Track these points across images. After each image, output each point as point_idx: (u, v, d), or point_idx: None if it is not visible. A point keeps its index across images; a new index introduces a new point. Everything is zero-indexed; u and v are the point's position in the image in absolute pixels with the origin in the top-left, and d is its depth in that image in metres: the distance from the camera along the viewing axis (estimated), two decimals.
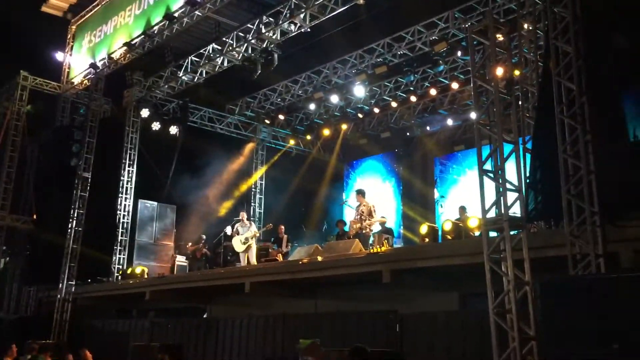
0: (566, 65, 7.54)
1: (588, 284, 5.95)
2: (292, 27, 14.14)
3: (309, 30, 14.06)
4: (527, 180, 7.98)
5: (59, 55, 20.61)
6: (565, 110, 7.44)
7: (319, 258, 11.47)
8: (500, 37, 8.17)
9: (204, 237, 18.15)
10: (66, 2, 19.79)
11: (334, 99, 18.62)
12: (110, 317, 17.81)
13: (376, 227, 14.21)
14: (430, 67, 16.61)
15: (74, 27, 20.58)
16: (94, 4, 19.46)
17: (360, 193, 13.54)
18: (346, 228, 14.09)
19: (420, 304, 10.47)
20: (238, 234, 14.82)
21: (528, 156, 8.25)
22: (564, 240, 7.13)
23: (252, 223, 15.88)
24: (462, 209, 12.82)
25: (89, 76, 18.73)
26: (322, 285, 12.14)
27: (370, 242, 13.16)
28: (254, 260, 14.53)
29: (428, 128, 19.63)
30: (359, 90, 17.95)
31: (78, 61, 19.89)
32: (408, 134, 20.20)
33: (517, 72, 9.38)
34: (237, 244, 14.78)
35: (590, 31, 7.61)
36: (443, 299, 10.69)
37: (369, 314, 10.22)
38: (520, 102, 8.88)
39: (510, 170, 7.42)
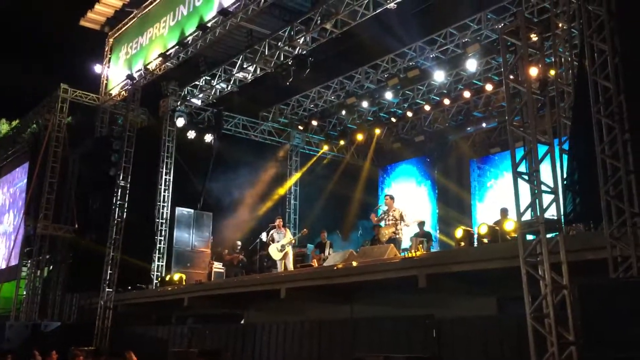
0: (602, 63, 7.38)
1: (629, 287, 5.80)
2: (324, 33, 14.20)
3: (340, 36, 14.09)
4: (565, 182, 7.82)
5: (97, 68, 21.14)
6: (602, 110, 7.28)
7: (354, 263, 11.45)
8: (533, 37, 8.06)
9: (239, 243, 18.32)
10: (103, 15, 20.29)
11: (367, 103, 18.61)
12: (150, 323, 18.11)
13: (414, 229, 14.12)
14: (462, 70, 16.45)
15: (111, 39, 21.10)
16: (130, 17, 19.92)
17: (392, 198, 13.50)
18: None
19: (458, 308, 10.34)
20: (273, 240, 14.87)
21: (565, 157, 8.09)
22: (603, 243, 6.95)
23: (287, 230, 15.92)
24: (504, 212, 12.52)
25: (126, 87, 19.16)
26: (358, 291, 12.10)
27: (407, 246, 13.10)
28: (291, 267, 14.56)
29: (462, 131, 19.39)
30: (392, 95, 17.92)
31: (115, 73, 20.38)
32: (442, 137, 20.00)
33: (552, 72, 9.24)
34: (274, 252, 14.81)
35: (626, 28, 7.44)
36: (481, 303, 10.52)
37: (405, 319, 10.15)
38: (556, 103, 8.73)
39: (546, 172, 7.28)
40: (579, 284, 6.08)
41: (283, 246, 14.63)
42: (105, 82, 20.78)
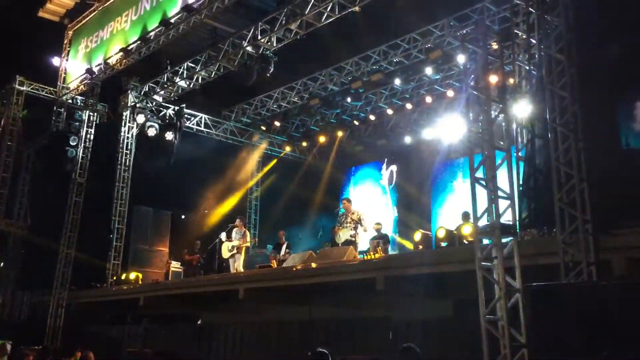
0: (559, 73, 7.58)
1: (578, 291, 5.95)
2: (288, 34, 14.18)
3: (304, 37, 14.08)
4: (520, 188, 7.99)
5: (55, 61, 20.61)
6: (557, 118, 7.48)
7: (313, 265, 11.46)
8: (494, 45, 8.23)
9: (199, 243, 18.12)
10: (63, 7, 19.80)
11: (330, 106, 18.64)
12: (105, 323, 17.76)
13: (371, 233, 14.21)
14: (425, 75, 16.66)
15: (70, 32, 20.59)
16: (90, 9, 19.48)
17: (349, 201, 13.59)
18: None
19: (415, 311, 10.46)
20: (230, 239, 14.84)
21: (522, 164, 8.27)
22: (556, 248, 7.14)
23: (247, 231, 15.81)
24: (466, 216, 12.60)
25: (85, 81, 18.75)
26: (317, 292, 12.11)
27: (366, 249, 13.16)
28: (241, 268, 14.53)
29: (424, 136, 19.59)
30: (355, 98, 18.00)
31: (74, 66, 19.89)
32: (404, 141, 20.17)
33: (511, 80, 9.44)
34: (224, 250, 14.87)
35: (583, 39, 7.65)
36: (438, 306, 10.68)
37: (363, 321, 10.21)
38: (513, 110, 8.92)
39: (504, 178, 7.43)
40: (531, 288, 6.21)
41: (234, 247, 14.60)
42: (63, 75, 20.24)
